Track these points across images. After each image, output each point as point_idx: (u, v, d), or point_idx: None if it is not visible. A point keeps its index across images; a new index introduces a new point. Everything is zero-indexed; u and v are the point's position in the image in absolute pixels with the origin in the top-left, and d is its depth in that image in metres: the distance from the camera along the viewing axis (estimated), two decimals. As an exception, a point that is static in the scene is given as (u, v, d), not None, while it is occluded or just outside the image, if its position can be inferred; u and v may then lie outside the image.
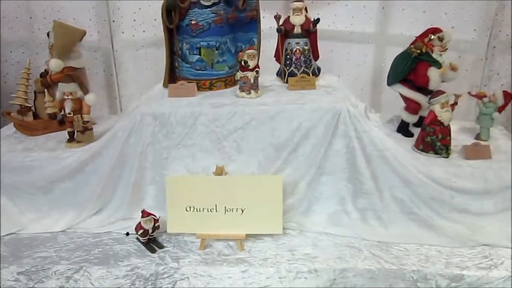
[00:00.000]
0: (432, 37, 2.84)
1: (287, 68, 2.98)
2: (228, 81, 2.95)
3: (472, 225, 2.54)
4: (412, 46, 2.84)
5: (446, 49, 2.88)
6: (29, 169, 2.72)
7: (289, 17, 2.92)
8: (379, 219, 2.60)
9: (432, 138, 2.68)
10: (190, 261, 2.40)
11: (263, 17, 2.98)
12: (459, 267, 2.32)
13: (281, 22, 2.91)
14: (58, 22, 3.02)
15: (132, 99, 3.71)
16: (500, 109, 2.87)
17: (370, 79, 3.85)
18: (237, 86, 2.80)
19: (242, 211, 2.47)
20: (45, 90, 3.04)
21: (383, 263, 2.35)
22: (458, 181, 2.55)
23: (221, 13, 2.83)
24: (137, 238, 2.54)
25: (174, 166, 2.69)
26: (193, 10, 2.80)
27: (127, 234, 2.60)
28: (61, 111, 2.91)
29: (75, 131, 2.87)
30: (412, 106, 2.93)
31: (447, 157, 2.69)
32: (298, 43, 2.93)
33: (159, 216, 2.53)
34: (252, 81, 2.71)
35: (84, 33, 3.10)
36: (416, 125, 2.98)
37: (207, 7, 2.79)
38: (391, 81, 2.98)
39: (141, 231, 2.48)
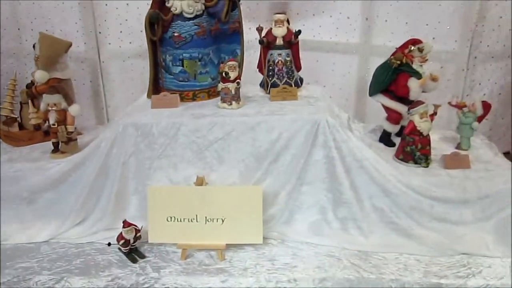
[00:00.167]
0: (412, 48, 2.87)
1: (270, 79, 3.02)
2: (211, 92, 2.98)
3: (451, 234, 2.56)
4: (392, 57, 2.88)
5: (426, 60, 2.91)
6: (12, 180, 2.74)
7: (271, 29, 2.97)
8: (359, 229, 2.62)
9: (411, 147, 2.71)
10: (171, 271, 2.41)
11: (249, 28, 3.02)
12: (437, 276, 2.34)
13: (263, 34, 2.95)
14: (43, 33, 3.06)
15: (118, 109, 3.74)
16: (480, 119, 2.91)
17: (355, 89, 3.89)
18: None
19: (223, 221, 2.49)
20: (30, 101, 3.06)
21: (362, 272, 2.37)
22: (437, 190, 2.57)
23: (203, 25, 2.87)
24: (119, 248, 2.56)
25: (157, 176, 2.71)
26: (176, 23, 2.84)
27: (109, 244, 2.61)
28: (45, 122, 2.93)
29: (60, 142, 2.90)
30: (393, 116, 2.97)
31: (427, 166, 2.72)
32: (280, 54, 2.98)
33: (141, 226, 2.55)
34: (233, 92, 2.74)
35: (70, 45, 3.14)
36: (398, 134, 3.01)
37: (189, 19, 2.83)
38: (373, 91, 3.02)
39: (122, 241, 2.50)
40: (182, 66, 2.88)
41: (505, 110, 3.72)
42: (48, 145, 2.97)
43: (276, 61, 2.98)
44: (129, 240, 2.50)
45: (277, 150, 2.64)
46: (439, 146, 2.96)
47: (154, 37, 2.86)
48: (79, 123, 2.94)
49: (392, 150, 2.88)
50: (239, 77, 2.79)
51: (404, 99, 2.90)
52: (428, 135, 2.71)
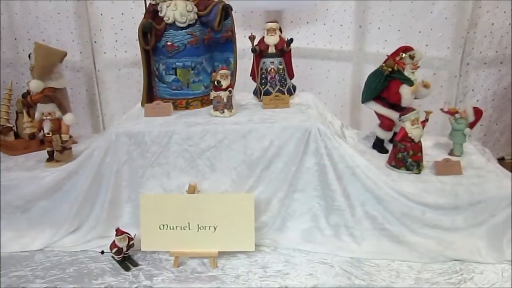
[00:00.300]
0: (403, 55, 2.89)
1: (263, 87, 3.04)
2: (205, 100, 3.00)
3: (443, 240, 2.56)
4: (383, 64, 2.90)
5: (418, 67, 2.93)
6: (7, 189, 2.75)
7: (263, 37, 2.99)
8: (352, 235, 2.62)
9: (403, 154, 2.72)
10: (163, 279, 2.42)
11: (244, 36, 3.05)
12: (429, 282, 2.34)
13: (256, 42, 2.97)
14: (38, 43, 3.08)
15: (114, 118, 3.77)
16: (472, 125, 2.91)
17: (349, 96, 3.92)
18: (213, 105, 2.85)
19: (215, 228, 2.51)
20: (25, 110, 3.09)
21: (354, 279, 2.38)
22: (429, 196, 2.57)
23: (196, 34, 2.90)
24: (112, 257, 2.57)
25: (149, 184, 2.73)
26: (169, 32, 2.86)
27: (102, 252, 2.62)
28: (40, 131, 2.95)
29: (55, 151, 2.92)
30: (386, 123, 2.98)
31: (419, 173, 2.72)
32: (272, 62, 3.00)
33: (135, 234, 2.56)
34: (225, 100, 2.76)
35: (65, 54, 3.15)
36: (392, 141, 3.03)
37: (182, 28, 2.85)
38: (365, 98, 3.04)
39: (115, 249, 2.51)
40: (175, 74, 2.90)
41: (499, 116, 3.74)
42: (43, 154, 2.99)
43: (269, 69, 3.01)
44: (122, 248, 2.51)
45: (269, 157, 2.65)
46: (433, 152, 2.96)
47: (147, 47, 2.89)
48: (75, 131, 2.96)
49: (385, 157, 2.89)
50: (231, 85, 2.81)
51: (396, 106, 2.92)
52: (419, 141, 2.72)
